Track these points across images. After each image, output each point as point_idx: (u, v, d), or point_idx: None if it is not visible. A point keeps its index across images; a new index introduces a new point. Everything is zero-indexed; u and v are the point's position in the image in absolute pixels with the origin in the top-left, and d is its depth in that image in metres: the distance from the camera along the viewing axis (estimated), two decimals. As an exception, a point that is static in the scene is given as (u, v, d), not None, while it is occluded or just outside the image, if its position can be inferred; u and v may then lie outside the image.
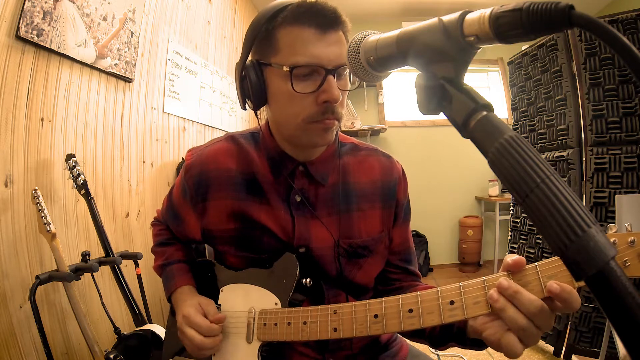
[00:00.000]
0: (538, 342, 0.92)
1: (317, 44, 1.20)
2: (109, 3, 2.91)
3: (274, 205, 1.40)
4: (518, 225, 4.36)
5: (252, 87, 1.28)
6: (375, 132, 6.75)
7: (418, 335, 1.31)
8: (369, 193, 1.47)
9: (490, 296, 0.92)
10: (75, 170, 2.48)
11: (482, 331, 1.02)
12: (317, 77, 1.22)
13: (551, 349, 3.76)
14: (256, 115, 1.39)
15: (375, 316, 1.11)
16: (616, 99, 3.34)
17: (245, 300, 1.39)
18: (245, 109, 1.38)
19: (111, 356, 2.18)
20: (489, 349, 1.02)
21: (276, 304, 1.32)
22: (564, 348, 3.62)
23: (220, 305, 1.45)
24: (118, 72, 3.05)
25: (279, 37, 1.23)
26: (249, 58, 1.32)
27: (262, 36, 1.27)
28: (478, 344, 1.11)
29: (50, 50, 2.43)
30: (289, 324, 1.25)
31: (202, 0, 4.62)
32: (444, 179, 7.01)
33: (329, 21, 1.21)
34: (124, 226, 3.23)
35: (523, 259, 0.93)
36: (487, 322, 1.01)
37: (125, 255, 2.77)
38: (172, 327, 1.52)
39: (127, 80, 3.22)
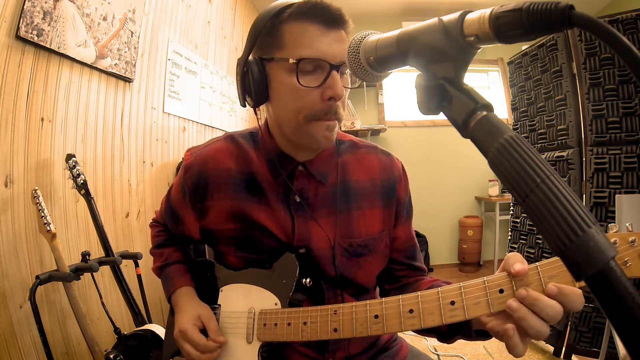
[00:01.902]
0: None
1: (322, 39, 1.22)
2: (109, 3, 2.91)
3: (274, 205, 1.40)
4: (518, 225, 4.36)
5: (254, 82, 1.28)
6: (375, 132, 6.75)
7: (426, 330, 1.30)
8: (369, 192, 1.47)
9: (509, 306, 0.91)
10: (75, 170, 2.48)
11: (486, 323, 1.02)
12: (321, 73, 1.23)
13: (551, 349, 3.76)
14: (255, 113, 1.39)
15: (376, 316, 1.11)
16: (616, 99, 3.34)
17: (245, 300, 1.39)
18: (245, 106, 1.37)
19: (111, 356, 2.18)
20: (489, 348, 1.02)
21: (276, 304, 1.32)
22: (564, 348, 3.62)
23: (220, 305, 1.45)
24: (118, 72, 3.05)
25: (284, 32, 1.24)
26: (252, 55, 1.32)
27: (266, 32, 1.27)
28: (483, 334, 1.11)
29: (50, 50, 2.43)
30: (289, 324, 1.25)
31: (202, 0, 4.61)
32: (444, 179, 7.01)
33: (334, 18, 1.23)
34: (124, 226, 3.23)
35: (526, 268, 0.93)
36: (489, 315, 1.01)
37: (125, 255, 2.78)
38: (172, 327, 1.52)
39: (127, 80, 3.22)
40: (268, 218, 1.39)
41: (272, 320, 1.30)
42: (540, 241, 3.99)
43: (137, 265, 2.86)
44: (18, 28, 2.18)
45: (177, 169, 4.01)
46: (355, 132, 6.33)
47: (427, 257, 6.80)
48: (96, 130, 2.91)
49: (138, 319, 2.68)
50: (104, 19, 2.88)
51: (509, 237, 4.53)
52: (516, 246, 4.32)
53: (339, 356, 1.42)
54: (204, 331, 1.39)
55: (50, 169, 2.50)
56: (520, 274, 0.93)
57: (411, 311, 1.05)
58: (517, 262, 0.94)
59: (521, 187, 0.50)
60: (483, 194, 6.93)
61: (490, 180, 6.58)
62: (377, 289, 1.62)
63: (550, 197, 0.48)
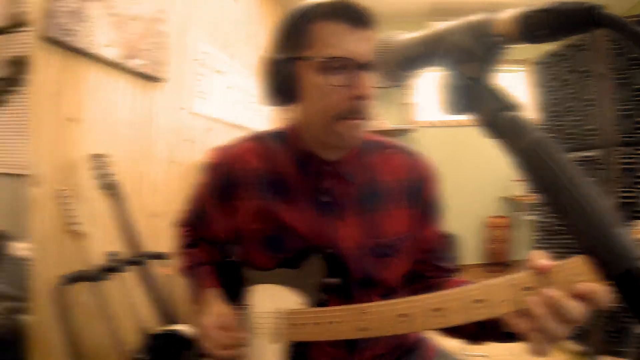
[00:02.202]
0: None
1: (349, 38, 1.22)
2: (137, 3, 2.94)
3: (301, 205, 1.40)
4: (545, 225, 4.33)
5: (281, 81, 1.29)
6: (404, 132, 6.72)
7: (454, 331, 1.30)
8: (395, 192, 1.45)
9: (529, 302, 0.91)
10: (102, 170, 2.51)
11: (513, 324, 1.02)
12: (348, 72, 1.23)
13: (577, 348, 3.72)
14: (282, 113, 1.40)
15: (402, 315, 1.11)
16: (644, 98, 3.30)
17: (272, 300, 1.39)
18: (271, 105, 1.38)
19: (138, 356, 2.20)
20: (514, 349, 1.01)
21: (303, 304, 1.33)
22: (590, 348, 3.59)
23: (247, 306, 1.46)
24: (146, 72, 3.08)
25: (312, 32, 1.25)
26: (279, 54, 1.32)
27: (294, 32, 1.29)
28: (512, 336, 1.10)
29: (78, 51, 2.47)
30: (316, 324, 1.25)
31: (229, -1, 4.63)
32: (470, 179, 6.96)
33: (361, 18, 1.24)
34: (152, 226, 3.26)
35: (550, 265, 0.93)
36: (515, 316, 1.01)
37: (153, 255, 2.80)
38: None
39: (155, 80, 3.25)
40: (295, 218, 1.39)
41: (299, 321, 1.30)
42: (567, 241, 3.96)
43: (164, 265, 2.87)
44: (46, 28, 2.21)
45: (204, 169, 4.02)
46: (384, 132, 6.31)
47: (454, 258, 6.74)
48: (124, 130, 2.95)
49: (165, 319, 2.70)
50: (133, 18, 2.91)
51: (536, 237, 4.49)
52: (543, 246, 4.28)
53: (366, 356, 1.42)
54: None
55: (78, 169, 2.54)
56: (544, 270, 0.92)
57: (437, 310, 1.05)
58: (541, 259, 0.94)
59: (548, 188, 0.50)
60: (510, 194, 6.86)
61: (517, 180, 6.52)
62: (405, 289, 1.62)
63: (577, 198, 0.48)
